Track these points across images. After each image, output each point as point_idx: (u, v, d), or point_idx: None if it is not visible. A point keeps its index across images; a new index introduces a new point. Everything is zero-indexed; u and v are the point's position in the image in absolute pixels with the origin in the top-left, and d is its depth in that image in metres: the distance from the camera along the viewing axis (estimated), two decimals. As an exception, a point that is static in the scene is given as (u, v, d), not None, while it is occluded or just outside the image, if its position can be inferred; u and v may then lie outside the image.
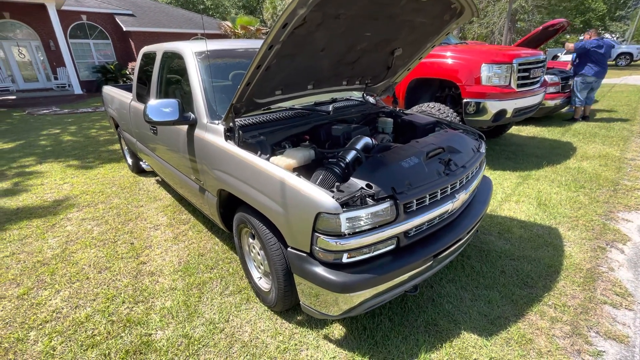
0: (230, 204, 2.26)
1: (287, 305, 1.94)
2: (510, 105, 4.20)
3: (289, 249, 1.68)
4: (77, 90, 13.07)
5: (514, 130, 6.41)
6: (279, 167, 1.66)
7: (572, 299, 2.03)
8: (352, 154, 1.94)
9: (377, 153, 2.08)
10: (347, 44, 2.04)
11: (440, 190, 1.77)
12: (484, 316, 1.94)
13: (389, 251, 1.65)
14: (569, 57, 13.01)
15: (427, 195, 1.70)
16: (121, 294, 2.34)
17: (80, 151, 5.98)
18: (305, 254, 1.60)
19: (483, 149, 2.38)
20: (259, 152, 1.93)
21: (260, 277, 2.19)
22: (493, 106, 4.17)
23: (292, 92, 2.24)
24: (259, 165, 1.74)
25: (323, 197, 1.46)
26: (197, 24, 18.29)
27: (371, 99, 3.14)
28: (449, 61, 4.53)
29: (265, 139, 2.09)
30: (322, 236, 1.50)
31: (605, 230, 2.81)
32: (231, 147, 1.95)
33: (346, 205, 1.49)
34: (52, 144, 6.50)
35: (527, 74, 4.34)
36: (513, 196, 3.57)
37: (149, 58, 3.23)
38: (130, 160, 4.66)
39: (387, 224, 1.57)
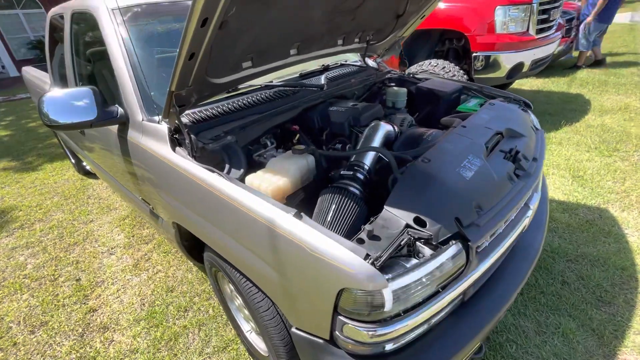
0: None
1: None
2: (528, 57, 3.53)
3: (293, 329, 1.05)
4: (13, 72, 11.29)
5: (515, 84, 5.79)
6: (263, 200, 0.97)
7: (669, 320, 1.56)
8: (371, 157, 1.26)
9: (404, 147, 1.41)
10: (348, -22, 1.27)
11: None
12: (564, 361, 1.43)
13: (450, 311, 1.05)
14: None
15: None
16: (60, 368, 1.69)
17: (17, 149, 4.96)
18: (322, 341, 0.98)
19: (538, 124, 1.75)
20: (228, 167, 1.23)
21: (252, 331, 1.58)
22: (509, 59, 3.48)
23: (267, 62, 1.48)
24: (229, 196, 1.04)
25: (348, 259, 0.81)
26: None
27: (371, 62, 2.40)
28: (453, 6, 3.73)
29: (236, 139, 1.37)
30: (351, 323, 0.87)
31: (666, 206, 2.33)
32: (181, 162, 1.22)
33: (388, 263, 0.85)
34: (-19, 143, 5.39)
35: (546, 16, 3.62)
36: (539, 168, 3.03)
37: (58, 26, 2.30)
38: (73, 159, 3.77)
39: (453, 278, 0.95)
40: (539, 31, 3.60)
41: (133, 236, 2.69)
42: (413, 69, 3.89)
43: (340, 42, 1.83)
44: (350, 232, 1.03)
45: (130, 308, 2.01)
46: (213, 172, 1.13)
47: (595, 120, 3.90)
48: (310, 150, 1.26)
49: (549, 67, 6.57)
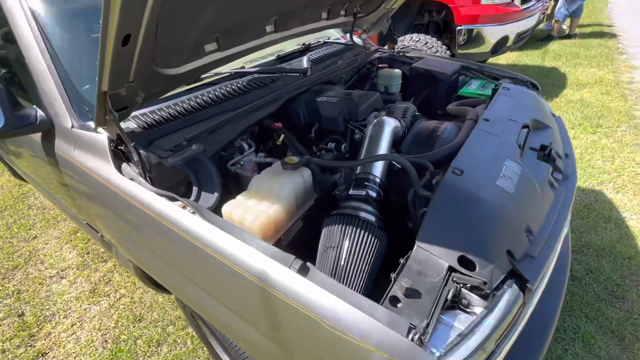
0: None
1: None
2: (512, 30, 3.36)
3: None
4: None
5: (490, 59, 5.68)
6: (249, 245, 0.69)
7: (687, 315, 1.49)
8: (382, 166, 1.00)
9: (416, 147, 1.16)
10: None
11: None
12: (591, 373, 1.32)
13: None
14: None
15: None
16: None
17: (-64, 151, 4.17)
18: None
19: (551, 109, 1.56)
20: (196, 191, 0.92)
21: (241, 372, 1.33)
22: (493, 33, 3.29)
23: (238, 42, 1.14)
24: (199, 238, 0.74)
25: (385, 338, 0.56)
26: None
27: (357, 39, 2.09)
28: (434, -26, 3.43)
29: (204, 148, 1.05)
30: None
31: (658, 186, 2.31)
32: (129, 188, 0.89)
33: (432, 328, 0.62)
34: None
35: (530, -15, 3.44)
36: (527, 148, 2.94)
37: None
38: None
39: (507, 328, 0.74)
40: (524, 1, 3.42)
41: (88, 253, 2.29)
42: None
43: (324, 15, 1.51)
44: (370, 277, 0.78)
45: (89, 347, 1.68)
46: (175, 200, 0.83)
47: (574, 94, 3.87)
48: (305, 161, 0.97)
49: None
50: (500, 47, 3.40)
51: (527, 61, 5.33)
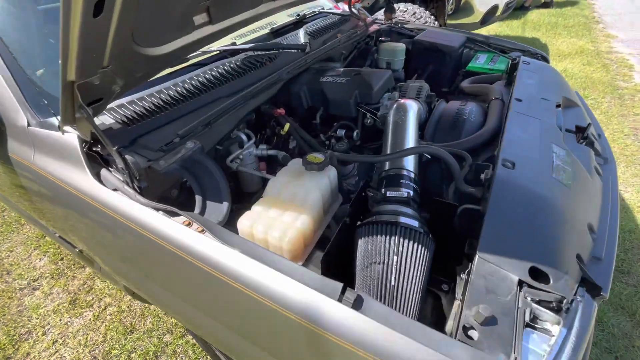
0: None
1: None
2: (502, -1, 3.24)
3: None
4: None
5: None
6: (284, 275, 0.55)
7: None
8: (414, 159, 0.87)
9: (441, 133, 1.04)
10: None
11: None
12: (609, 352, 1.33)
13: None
14: None
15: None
16: None
17: None
18: None
19: (566, 84, 1.48)
20: (200, 201, 0.76)
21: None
22: (483, 2, 3.16)
23: (232, 12, 0.94)
24: (216, 267, 0.60)
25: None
26: None
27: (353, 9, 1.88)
28: (421, -64, 3.20)
29: (201, 145, 0.87)
30: None
31: (647, 156, 2.35)
32: (115, 202, 0.71)
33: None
34: None
35: (519, -51, 3.29)
36: (518, 122, 2.92)
37: None
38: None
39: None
40: (513, -33, 3.29)
41: (62, 259, 2.06)
42: (379, 15, 3.39)
43: (323, -20, 1.30)
44: (423, 295, 0.67)
45: (76, 367, 1.52)
46: (176, 215, 0.67)
47: (557, 66, 3.87)
48: (329, 158, 0.80)
49: (500, 10, 6.44)
50: (489, 16, 3.29)
51: (508, 32, 5.28)
